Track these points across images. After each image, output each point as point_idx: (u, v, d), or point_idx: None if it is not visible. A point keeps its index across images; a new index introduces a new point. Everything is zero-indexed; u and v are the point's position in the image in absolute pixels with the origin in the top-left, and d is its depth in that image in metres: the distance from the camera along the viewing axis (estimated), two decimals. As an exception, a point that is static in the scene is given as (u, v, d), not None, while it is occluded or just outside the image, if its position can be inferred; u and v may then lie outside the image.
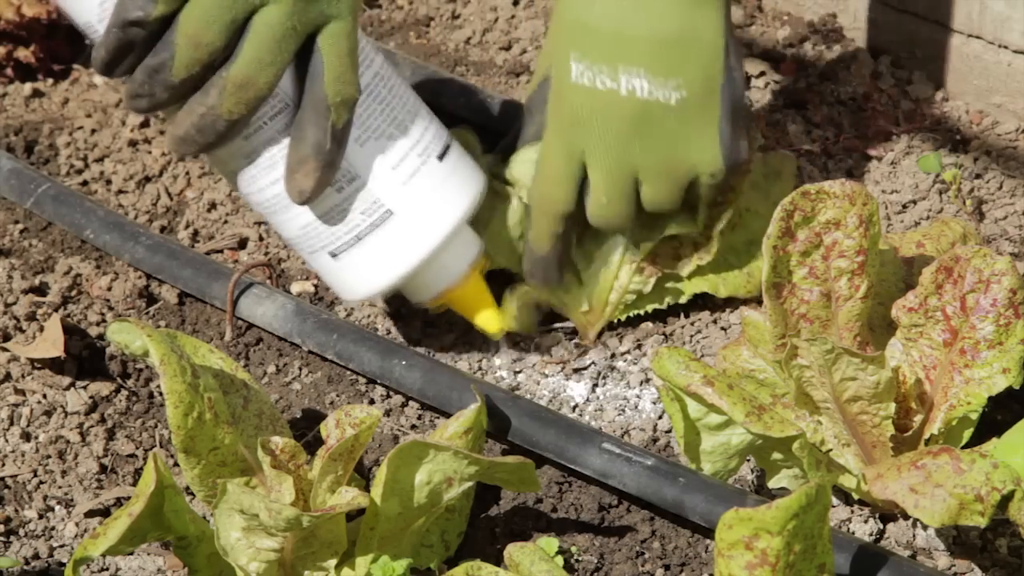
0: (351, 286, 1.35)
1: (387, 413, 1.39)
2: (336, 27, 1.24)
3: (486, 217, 1.42)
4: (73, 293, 1.53)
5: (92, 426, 1.39)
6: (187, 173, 1.66)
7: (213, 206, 1.62)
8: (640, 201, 1.36)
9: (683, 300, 1.44)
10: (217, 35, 1.20)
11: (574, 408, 1.39)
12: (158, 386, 1.44)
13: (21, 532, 1.31)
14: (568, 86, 1.33)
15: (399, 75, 1.36)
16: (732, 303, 1.46)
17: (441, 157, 1.34)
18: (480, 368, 1.43)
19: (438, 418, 1.39)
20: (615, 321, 1.45)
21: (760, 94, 1.67)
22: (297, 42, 1.22)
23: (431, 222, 1.33)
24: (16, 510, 1.32)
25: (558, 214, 1.37)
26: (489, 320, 1.40)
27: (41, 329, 1.48)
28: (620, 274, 1.42)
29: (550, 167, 1.36)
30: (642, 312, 1.45)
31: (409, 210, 1.32)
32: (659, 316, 1.46)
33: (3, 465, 1.36)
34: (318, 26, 1.23)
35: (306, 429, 1.38)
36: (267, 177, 1.30)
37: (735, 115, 1.34)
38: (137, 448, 1.38)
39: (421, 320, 1.48)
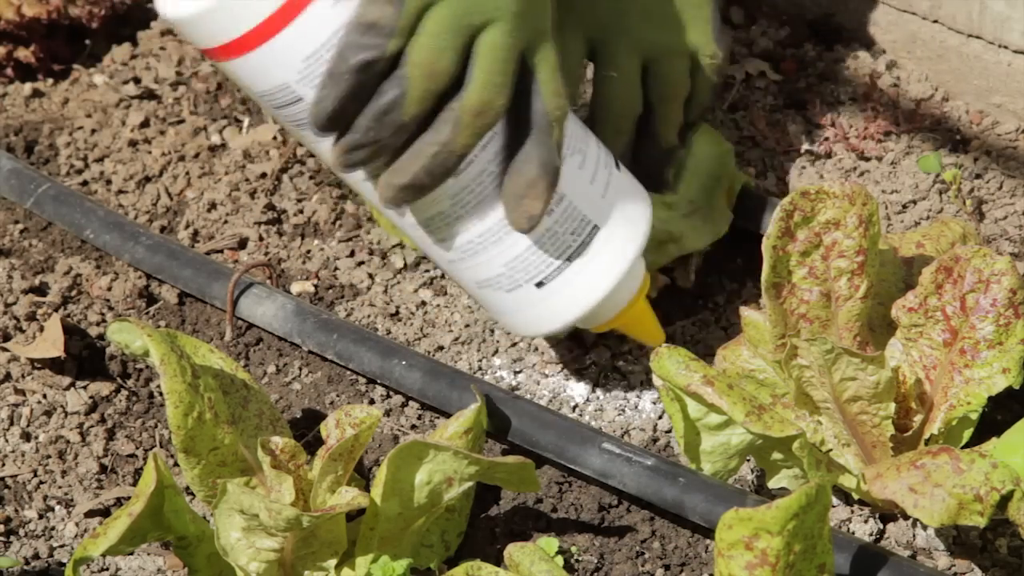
0: (551, 316, 1.28)
1: (387, 413, 1.39)
2: (547, 42, 1.19)
3: None
4: (73, 293, 1.53)
5: (92, 426, 1.39)
6: (187, 173, 1.66)
7: (213, 206, 1.62)
8: (647, 92, 1.38)
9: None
10: (451, 61, 1.14)
11: (574, 408, 1.39)
12: (158, 386, 1.44)
13: (21, 532, 1.31)
14: None
15: None
16: (732, 303, 1.47)
17: (618, 166, 1.30)
18: (480, 368, 1.43)
19: (438, 418, 1.39)
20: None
21: (760, 94, 1.67)
22: (518, 61, 1.17)
23: (628, 233, 1.28)
24: (16, 510, 1.32)
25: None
26: (657, 336, 1.35)
27: (41, 329, 1.48)
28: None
29: (569, 51, 1.37)
30: None
31: (611, 223, 1.27)
32: (659, 316, 1.46)
33: (3, 465, 1.36)
34: (532, 43, 1.18)
35: (306, 429, 1.38)
36: (472, 215, 1.22)
37: (716, 5, 1.41)
38: (137, 448, 1.38)
39: (421, 320, 1.48)
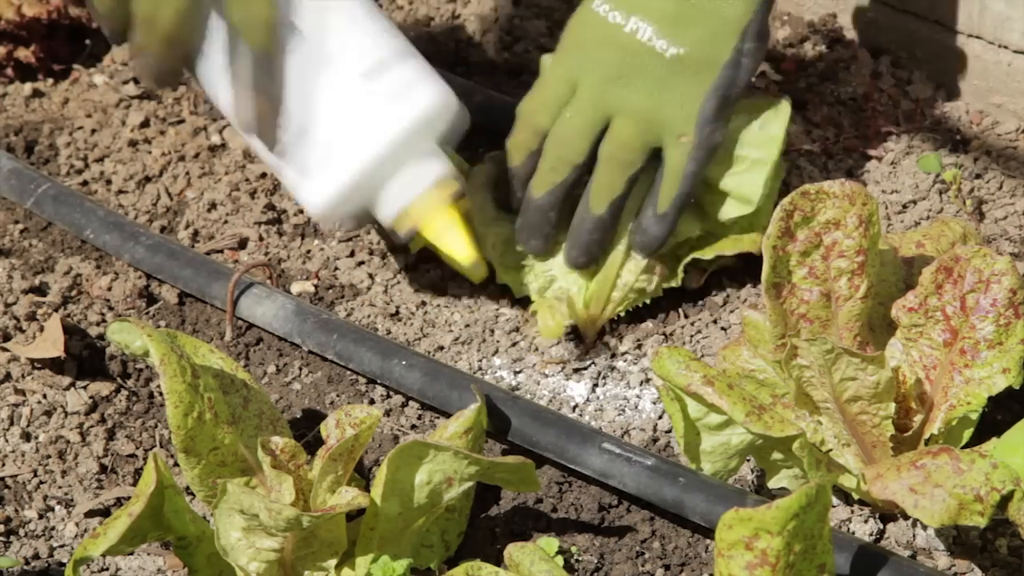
0: (315, 196, 1.38)
1: (387, 413, 1.39)
2: None
3: (493, 233, 1.44)
4: (73, 293, 1.53)
5: (92, 426, 1.39)
6: (187, 173, 1.66)
7: (213, 206, 1.62)
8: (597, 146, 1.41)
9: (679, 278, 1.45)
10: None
11: (574, 408, 1.39)
12: (158, 386, 1.44)
13: (21, 532, 1.31)
14: (585, 11, 1.42)
15: None
16: (732, 303, 1.47)
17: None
18: (480, 368, 1.43)
19: (438, 418, 1.39)
20: (616, 317, 1.45)
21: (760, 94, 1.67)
22: None
23: (372, 133, 1.36)
24: (16, 510, 1.32)
25: (538, 128, 1.42)
26: (464, 252, 1.39)
27: (41, 329, 1.48)
28: (623, 272, 1.43)
29: (545, 83, 1.43)
30: (640, 304, 1.45)
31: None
32: (659, 316, 1.46)
33: (3, 465, 1.36)
34: None
35: (306, 429, 1.38)
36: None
37: (726, 98, 1.39)
38: (137, 448, 1.38)
39: (421, 320, 1.48)
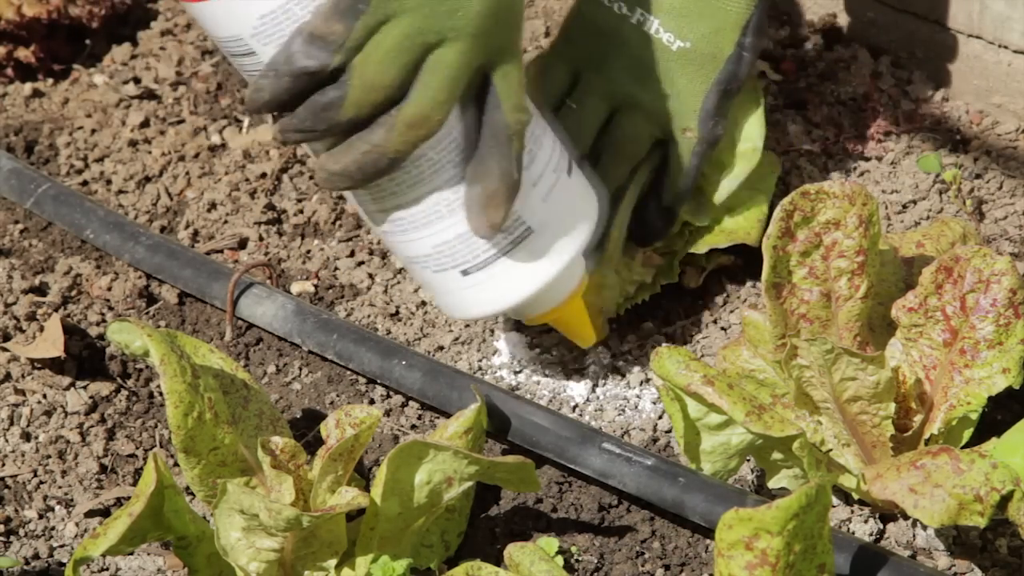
0: (476, 304, 1.31)
1: (387, 413, 1.39)
2: (511, 60, 1.21)
3: None
4: (73, 293, 1.53)
5: (92, 426, 1.39)
6: (187, 173, 1.66)
7: (213, 206, 1.62)
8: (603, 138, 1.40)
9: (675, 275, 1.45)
10: (395, 78, 1.17)
11: (574, 408, 1.39)
12: (158, 386, 1.44)
13: (21, 532, 1.31)
14: (587, 1, 1.41)
15: None
16: (732, 303, 1.47)
17: (569, 172, 1.31)
18: (480, 368, 1.43)
19: (438, 418, 1.39)
20: (616, 316, 1.45)
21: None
22: (471, 78, 1.20)
23: (566, 238, 1.30)
24: (16, 510, 1.32)
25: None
26: (586, 338, 1.38)
27: (41, 329, 1.48)
28: (620, 266, 1.43)
29: (545, 74, 1.41)
30: (640, 302, 1.45)
31: (548, 227, 1.29)
32: (659, 316, 1.46)
33: (3, 465, 1.36)
34: (493, 60, 1.20)
35: (306, 429, 1.38)
36: (408, 195, 1.25)
37: (727, 91, 1.40)
38: (137, 448, 1.38)
39: (421, 320, 1.48)
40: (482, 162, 1.22)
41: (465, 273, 1.28)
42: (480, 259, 1.28)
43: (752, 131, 1.44)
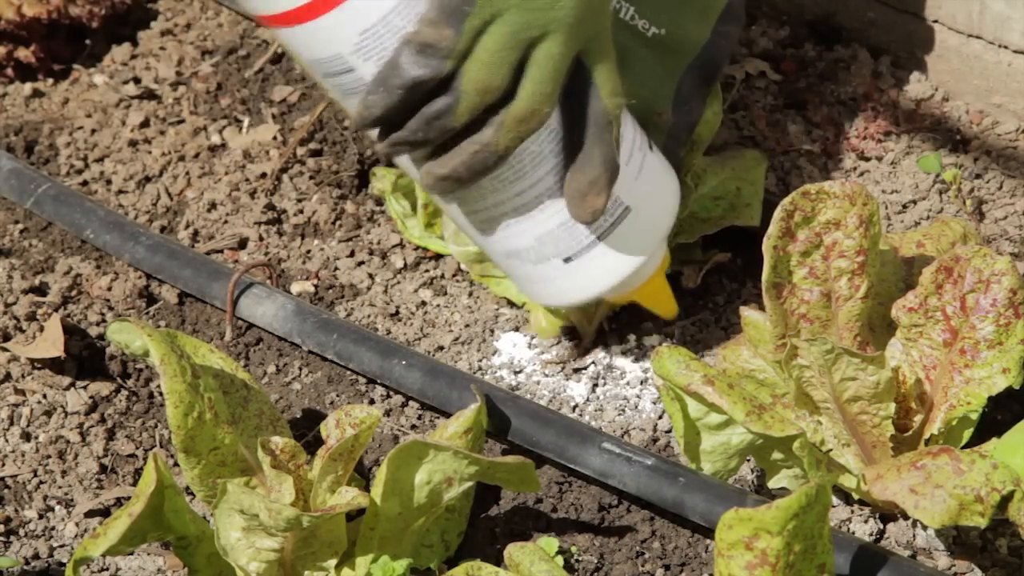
0: (576, 289, 1.31)
1: (387, 413, 1.39)
2: (604, 44, 1.21)
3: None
4: (73, 293, 1.53)
5: (92, 426, 1.39)
6: (187, 173, 1.66)
7: (213, 206, 1.62)
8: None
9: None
10: (504, 78, 1.16)
11: (574, 408, 1.39)
12: (158, 386, 1.44)
13: (21, 532, 1.31)
14: None
15: None
16: (732, 303, 1.47)
17: (651, 148, 1.33)
18: (480, 368, 1.43)
19: (438, 418, 1.39)
20: (613, 314, 1.45)
21: (760, 94, 1.67)
22: (570, 67, 1.19)
23: (660, 212, 1.31)
24: (16, 510, 1.32)
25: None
26: (672, 309, 1.39)
27: (41, 329, 1.48)
28: None
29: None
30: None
31: (643, 204, 1.30)
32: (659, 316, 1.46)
33: (3, 465, 1.36)
34: (589, 47, 1.20)
35: (306, 429, 1.38)
36: (509, 191, 1.25)
37: (705, 77, 1.40)
38: (137, 448, 1.38)
39: (421, 320, 1.48)
40: (583, 149, 1.22)
41: (567, 260, 1.29)
42: (583, 244, 1.28)
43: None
